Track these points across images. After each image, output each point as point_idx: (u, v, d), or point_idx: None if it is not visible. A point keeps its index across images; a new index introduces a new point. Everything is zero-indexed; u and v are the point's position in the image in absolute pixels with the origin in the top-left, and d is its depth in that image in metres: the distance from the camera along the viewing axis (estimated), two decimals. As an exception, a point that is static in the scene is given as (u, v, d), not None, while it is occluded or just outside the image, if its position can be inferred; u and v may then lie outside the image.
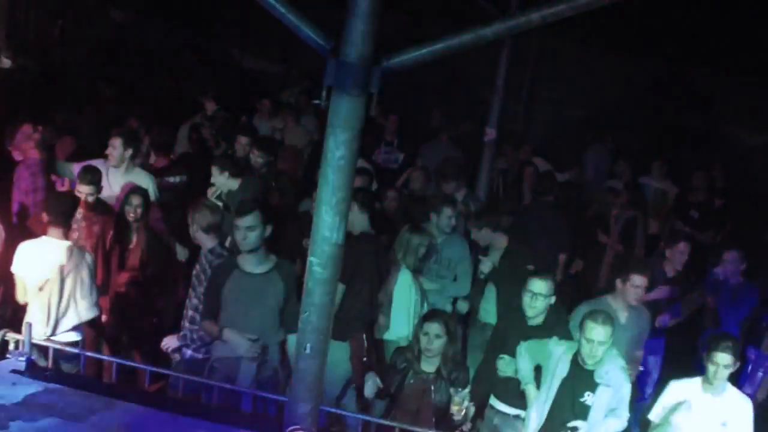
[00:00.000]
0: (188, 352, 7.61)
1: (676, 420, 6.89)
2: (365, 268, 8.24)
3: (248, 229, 6.92)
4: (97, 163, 9.20)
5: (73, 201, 8.03)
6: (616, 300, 8.10)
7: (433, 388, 6.98)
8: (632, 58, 16.80)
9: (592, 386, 6.81)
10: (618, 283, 8.10)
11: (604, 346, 6.71)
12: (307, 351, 4.69)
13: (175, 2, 18.36)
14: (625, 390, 6.88)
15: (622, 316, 8.01)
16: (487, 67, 12.04)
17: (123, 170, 9.42)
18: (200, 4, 18.14)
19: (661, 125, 16.52)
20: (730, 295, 9.33)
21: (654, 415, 7.13)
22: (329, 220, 4.50)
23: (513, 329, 7.64)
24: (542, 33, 15.37)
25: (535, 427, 6.99)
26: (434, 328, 6.94)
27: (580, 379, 6.85)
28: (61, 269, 7.51)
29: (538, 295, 7.46)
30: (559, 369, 6.91)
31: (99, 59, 16.81)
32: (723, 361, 6.74)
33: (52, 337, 7.49)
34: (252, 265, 7.03)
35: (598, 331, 6.68)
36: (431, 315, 7.21)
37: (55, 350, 7.09)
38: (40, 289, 7.49)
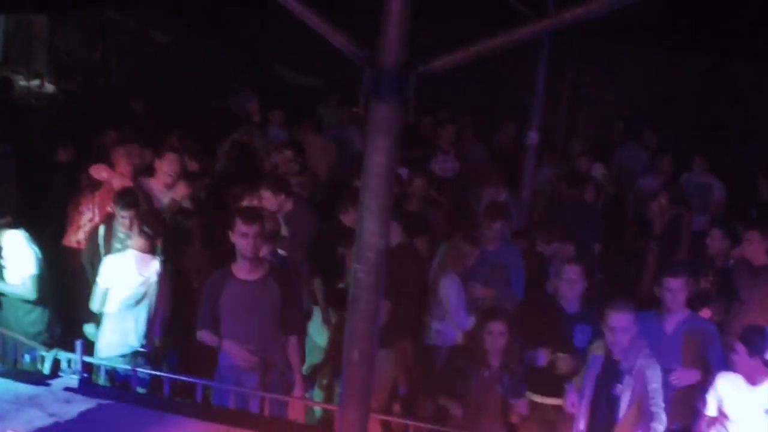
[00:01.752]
0: None
1: (726, 411, 6.87)
2: (404, 277, 8.28)
3: (257, 236, 7.02)
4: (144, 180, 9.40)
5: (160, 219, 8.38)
6: (660, 308, 7.77)
7: (499, 384, 7.08)
8: (673, 56, 16.69)
9: (619, 376, 6.87)
10: (656, 290, 7.77)
11: (627, 334, 6.68)
12: (356, 358, 4.70)
13: (215, 23, 18.50)
14: (655, 385, 6.88)
15: (669, 326, 7.67)
16: (528, 71, 12.02)
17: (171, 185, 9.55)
18: (240, 23, 18.25)
19: (704, 123, 16.33)
20: None
21: (709, 409, 7.08)
22: (372, 227, 4.52)
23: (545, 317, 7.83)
24: (582, 35, 15.38)
25: (582, 427, 6.98)
26: (499, 326, 7.02)
27: (610, 371, 6.91)
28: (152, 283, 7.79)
29: (569, 281, 7.72)
30: (593, 365, 6.97)
31: (140, 80, 16.95)
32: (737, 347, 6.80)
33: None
34: (246, 272, 7.08)
35: (617, 318, 6.70)
36: (494, 313, 7.31)
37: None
38: (137, 302, 7.67)
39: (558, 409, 7.66)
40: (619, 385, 6.88)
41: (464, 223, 9.69)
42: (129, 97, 14.97)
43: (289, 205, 9.28)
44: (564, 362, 7.53)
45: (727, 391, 6.91)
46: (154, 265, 7.85)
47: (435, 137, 12.98)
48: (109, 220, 8.65)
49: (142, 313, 7.82)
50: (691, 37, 15.58)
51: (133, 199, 8.49)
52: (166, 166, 9.48)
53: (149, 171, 9.73)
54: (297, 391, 7.22)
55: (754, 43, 15.20)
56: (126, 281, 7.72)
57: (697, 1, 13.71)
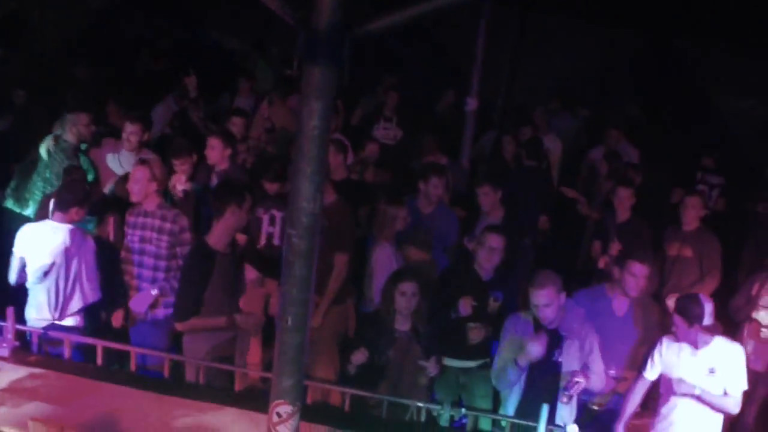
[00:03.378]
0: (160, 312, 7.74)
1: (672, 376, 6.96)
2: (340, 234, 8.32)
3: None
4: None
5: (82, 188, 8.01)
6: (612, 289, 7.77)
7: (413, 345, 7.11)
8: (615, 28, 16.75)
9: (559, 341, 6.90)
10: (616, 271, 7.75)
11: (551, 308, 6.75)
12: (289, 324, 4.65)
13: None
14: (592, 339, 6.98)
15: (620, 308, 7.73)
16: (468, 40, 11.99)
17: (135, 153, 9.46)
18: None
19: (644, 95, 16.45)
20: None
21: (648, 373, 7.15)
22: (306, 191, 4.45)
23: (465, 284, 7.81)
24: (522, 4, 15.42)
25: (517, 397, 7.00)
26: (410, 287, 7.05)
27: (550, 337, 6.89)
28: (66, 252, 7.48)
29: (494, 249, 7.67)
30: (525, 335, 6.95)
31: (77, 46, 16.65)
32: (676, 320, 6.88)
33: (58, 322, 7.51)
34: (222, 244, 7.01)
35: (537, 295, 6.76)
36: (405, 274, 7.28)
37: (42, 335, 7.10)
38: (46, 273, 7.45)
39: (467, 371, 7.75)
40: (558, 351, 6.92)
41: (407, 190, 9.63)
42: (67, 64, 14.68)
43: (225, 164, 9.26)
44: (475, 332, 7.52)
45: (671, 359, 7.00)
46: (71, 236, 7.61)
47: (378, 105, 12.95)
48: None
49: (58, 286, 7.57)
50: (631, 11, 15.66)
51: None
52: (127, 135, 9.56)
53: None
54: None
55: (695, 19, 15.31)
56: (39, 251, 7.51)
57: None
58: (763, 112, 16.16)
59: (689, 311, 6.76)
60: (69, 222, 7.52)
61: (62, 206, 7.54)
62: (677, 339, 6.95)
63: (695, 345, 6.85)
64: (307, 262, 4.57)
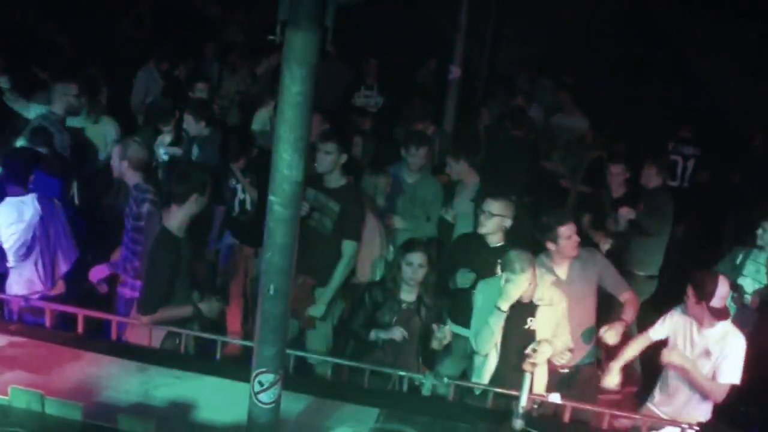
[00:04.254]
0: (126, 292, 7.72)
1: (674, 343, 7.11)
2: None
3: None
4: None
5: (31, 155, 7.90)
6: (549, 258, 7.76)
7: (417, 317, 7.11)
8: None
9: (533, 310, 6.96)
10: (548, 244, 7.70)
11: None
12: (271, 292, 4.62)
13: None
14: (561, 307, 7.12)
15: (562, 271, 7.74)
16: (451, 8, 11.93)
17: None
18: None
19: (625, 59, 16.44)
20: None
21: (655, 333, 7.30)
22: (288, 158, 4.40)
23: (473, 249, 7.93)
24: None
25: (494, 364, 7.01)
26: (417, 257, 7.04)
27: (520, 306, 6.96)
28: (42, 222, 7.42)
29: (490, 214, 7.72)
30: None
31: (51, 10, 16.46)
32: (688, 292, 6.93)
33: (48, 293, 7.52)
34: (182, 231, 6.95)
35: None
36: (413, 245, 7.25)
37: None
38: (29, 248, 7.39)
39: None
40: (531, 319, 6.95)
41: (392, 159, 9.59)
42: (46, 31, 14.52)
43: (205, 132, 9.28)
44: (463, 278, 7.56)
45: (679, 326, 7.11)
46: (41, 205, 7.47)
47: (359, 72, 12.91)
48: None
49: (43, 257, 7.52)
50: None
51: None
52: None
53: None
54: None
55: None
56: (15, 229, 7.35)
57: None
58: (743, 80, 16.18)
59: (702, 286, 6.82)
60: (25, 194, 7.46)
61: (12, 179, 7.49)
62: (687, 311, 7.01)
63: (700, 322, 6.91)
64: (289, 230, 4.54)
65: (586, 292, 7.72)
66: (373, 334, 7.07)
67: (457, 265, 7.96)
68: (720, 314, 6.90)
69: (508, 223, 7.82)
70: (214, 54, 13.70)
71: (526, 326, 6.97)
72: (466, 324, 7.51)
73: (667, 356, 7.00)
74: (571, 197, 11.24)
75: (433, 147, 9.61)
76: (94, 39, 14.16)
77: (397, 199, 8.94)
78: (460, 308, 7.66)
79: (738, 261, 8.78)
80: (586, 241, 9.17)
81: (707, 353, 6.86)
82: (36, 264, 7.44)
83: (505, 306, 6.83)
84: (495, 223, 7.78)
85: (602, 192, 10.05)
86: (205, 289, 7.13)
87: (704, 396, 6.98)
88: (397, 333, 7.00)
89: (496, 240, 7.86)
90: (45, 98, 9.59)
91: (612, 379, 7.43)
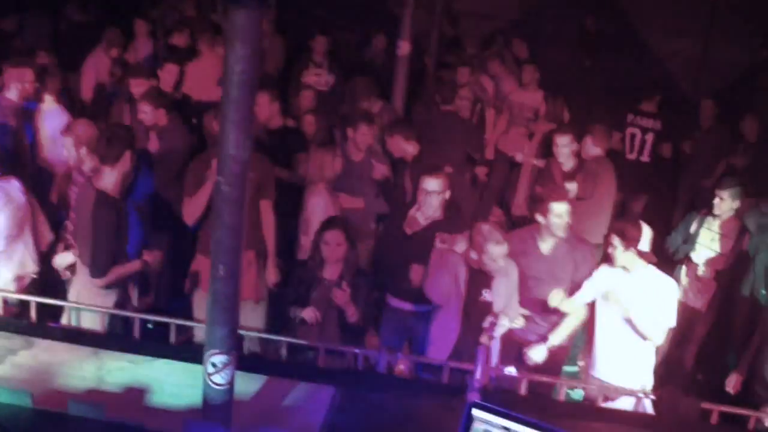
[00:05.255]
0: None
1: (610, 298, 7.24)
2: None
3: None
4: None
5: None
6: (540, 232, 7.80)
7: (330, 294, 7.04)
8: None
9: (488, 281, 7.12)
10: (539, 218, 7.73)
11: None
12: (221, 273, 4.60)
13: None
14: (513, 277, 7.29)
15: (546, 246, 7.77)
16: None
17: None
18: None
19: (578, 31, 16.47)
20: None
21: (585, 295, 7.42)
22: (234, 138, 4.38)
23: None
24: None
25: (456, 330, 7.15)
26: (334, 235, 7.03)
27: (475, 278, 7.13)
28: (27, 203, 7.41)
29: (432, 194, 7.67)
30: (459, 271, 7.15)
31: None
32: (613, 241, 7.11)
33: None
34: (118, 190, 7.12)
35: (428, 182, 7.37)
36: (330, 223, 7.24)
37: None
38: (20, 227, 7.34)
39: (414, 314, 7.77)
40: (487, 291, 7.00)
41: (341, 136, 9.58)
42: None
43: (163, 120, 9.11)
44: (417, 272, 7.54)
45: (605, 283, 7.24)
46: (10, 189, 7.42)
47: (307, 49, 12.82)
48: None
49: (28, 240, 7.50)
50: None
51: None
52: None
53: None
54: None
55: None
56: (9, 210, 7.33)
57: None
58: (695, 53, 16.30)
59: (626, 233, 6.91)
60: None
61: None
62: (612, 263, 7.09)
63: (629, 268, 6.98)
64: (237, 210, 4.53)
65: (562, 276, 7.69)
66: (291, 312, 7.08)
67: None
68: (648, 257, 7.15)
69: (447, 195, 7.81)
70: (145, 33, 13.20)
71: (482, 297, 7.02)
72: (404, 296, 7.67)
73: (608, 311, 7.12)
74: (524, 171, 11.27)
75: (377, 125, 9.59)
76: (40, 25, 14.01)
77: (346, 178, 8.93)
78: (397, 279, 7.72)
79: (692, 229, 8.87)
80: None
81: (642, 296, 7.00)
82: (27, 244, 7.43)
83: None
84: (435, 201, 7.76)
85: (555, 164, 10.05)
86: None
87: (642, 351, 7.14)
88: (308, 314, 6.97)
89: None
90: None
91: (537, 353, 7.51)
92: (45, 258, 7.68)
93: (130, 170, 7.16)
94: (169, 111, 9.26)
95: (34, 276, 7.54)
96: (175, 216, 8.50)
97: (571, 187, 9.42)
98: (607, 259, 7.33)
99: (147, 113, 9.08)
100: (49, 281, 7.81)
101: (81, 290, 7.21)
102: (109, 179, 7.00)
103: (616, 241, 7.04)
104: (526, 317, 7.57)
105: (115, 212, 6.91)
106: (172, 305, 8.88)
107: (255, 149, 7.76)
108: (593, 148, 9.87)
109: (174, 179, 8.80)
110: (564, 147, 9.76)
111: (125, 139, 7.11)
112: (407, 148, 9.25)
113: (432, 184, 7.69)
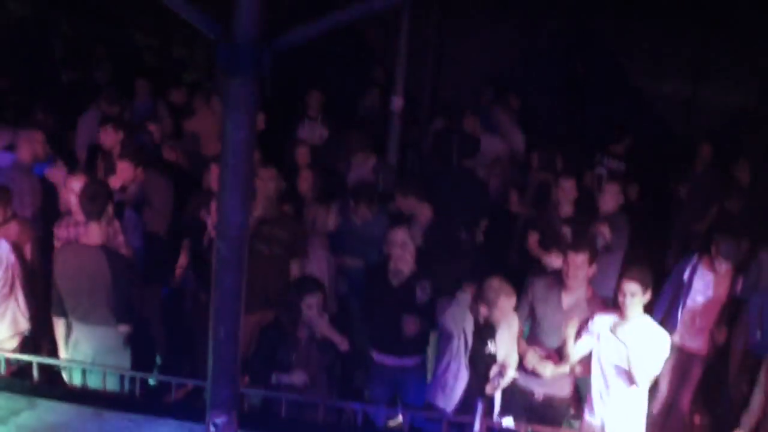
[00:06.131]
0: None
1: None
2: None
3: None
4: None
5: None
6: (565, 285, 7.60)
7: (316, 349, 7.02)
8: (536, 14, 16.89)
9: (492, 333, 7.18)
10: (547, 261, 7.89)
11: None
12: (221, 335, 4.68)
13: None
14: (514, 329, 7.32)
15: (568, 301, 7.60)
16: (392, 37, 11.96)
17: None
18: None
19: (569, 79, 16.59)
20: None
21: (581, 347, 7.37)
22: (233, 204, 4.49)
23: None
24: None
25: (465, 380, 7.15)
26: (314, 298, 6.96)
27: (482, 330, 7.18)
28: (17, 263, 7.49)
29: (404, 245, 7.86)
30: (467, 325, 7.19)
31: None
32: (630, 289, 6.97)
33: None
34: None
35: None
36: (309, 287, 7.12)
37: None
38: (11, 286, 7.43)
39: (402, 369, 7.84)
40: (491, 341, 7.08)
41: (336, 190, 9.64)
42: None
43: (140, 176, 9.16)
44: (410, 324, 7.61)
45: (604, 327, 7.21)
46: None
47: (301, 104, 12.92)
48: None
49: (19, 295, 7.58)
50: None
51: None
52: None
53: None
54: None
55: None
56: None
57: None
58: (685, 95, 16.40)
59: (645, 279, 6.96)
60: None
61: None
62: (612, 309, 7.17)
63: (629, 316, 7.03)
64: (237, 274, 4.61)
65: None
66: (273, 378, 6.93)
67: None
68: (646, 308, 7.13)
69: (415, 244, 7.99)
70: (146, 90, 13.38)
71: (487, 350, 7.10)
72: (393, 351, 7.76)
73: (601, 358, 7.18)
74: (519, 219, 11.27)
75: (377, 179, 9.66)
76: (37, 83, 14.14)
77: (347, 238, 9.00)
78: (385, 333, 7.81)
79: (685, 277, 8.90)
80: (532, 262, 9.31)
81: (633, 345, 6.97)
82: (18, 301, 7.49)
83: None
84: (408, 252, 7.87)
85: (551, 211, 10.07)
86: None
87: (635, 395, 7.15)
88: (298, 378, 6.90)
89: None
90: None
91: (544, 368, 7.47)
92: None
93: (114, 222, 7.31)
94: (145, 166, 9.35)
95: (27, 334, 7.58)
96: (166, 268, 8.60)
97: (605, 230, 9.47)
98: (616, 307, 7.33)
99: (124, 171, 9.10)
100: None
101: (98, 349, 7.22)
102: (97, 233, 7.13)
103: (634, 287, 6.95)
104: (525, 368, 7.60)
105: (122, 259, 7.13)
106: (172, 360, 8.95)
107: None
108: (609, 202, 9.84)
109: (161, 232, 9.03)
110: (570, 190, 9.80)
111: (106, 194, 7.29)
112: (421, 209, 9.24)
113: (399, 235, 7.83)
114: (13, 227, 7.76)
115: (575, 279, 7.41)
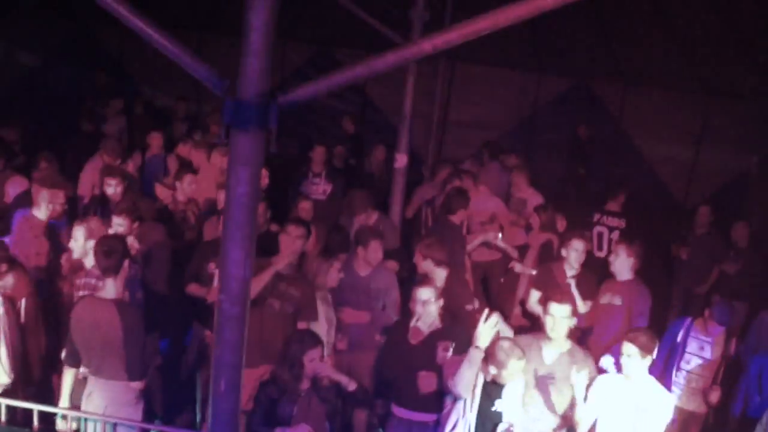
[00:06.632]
0: None
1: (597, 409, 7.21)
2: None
3: None
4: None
5: None
6: (545, 341, 7.66)
7: (316, 398, 7.03)
8: (538, 75, 17.04)
9: (500, 391, 7.13)
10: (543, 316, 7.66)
11: None
12: (222, 388, 4.70)
13: (84, 46, 18.31)
14: (521, 387, 7.26)
15: (548, 356, 7.63)
16: (398, 94, 12.05)
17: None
18: (110, 46, 18.15)
19: (570, 141, 16.71)
20: None
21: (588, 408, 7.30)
22: (236, 257, 4.52)
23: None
24: (449, 56, 15.58)
25: None
26: (317, 352, 7.02)
27: (489, 388, 7.13)
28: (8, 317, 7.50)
29: (427, 302, 7.85)
30: (477, 383, 7.17)
31: (9, 105, 16.53)
32: (628, 351, 7.03)
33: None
34: None
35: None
36: (312, 341, 7.15)
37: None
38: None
39: (425, 425, 7.76)
40: (499, 401, 7.08)
41: (338, 247, 9.65)
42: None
43: (137, 230, 9.21)
44: (426, 380, 7.61)
45: (610, 389, 7.22)
46: None
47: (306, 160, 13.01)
48: None
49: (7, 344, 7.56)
50: (555, 57, 15.94)
51: None
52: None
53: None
54: None
55: (618, 63, 15.64)
56: None
57: (558, 23, 13.97)
58: (687, 158, 16.51)
59: (646, 342, 6.99)
60: None
61: None
62: (617, 369, 7.15)
63: (632, 377, 7.06)
64: (238, 327, 4.64)
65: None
66: None
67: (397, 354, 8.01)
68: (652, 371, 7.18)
69: (441, 302, 7.93)
70: (159, 144, 13.57)
71: (494, 408, 7.10)
72: (408, 405, 7.72)
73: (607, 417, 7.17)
74: (521, 282, 11.28)
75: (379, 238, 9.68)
76: (42, 133, 14.26)
77: (352, 291, 9.01)
78: (402, 387, 7.80)
79: (679, 339, 8.92)
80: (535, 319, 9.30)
81: (637, 408, 7.00)
82: (7, 353, 7.46)
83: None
84: (432, 309, 7.88)
85: (554, 270, 10.09)
86: None
87: None
88: (302, 430, 6.89)
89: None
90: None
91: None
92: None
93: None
94: (142, 220, 9.41)
95: (6, 387, 7.52)
96: (165, 321, 8.63)
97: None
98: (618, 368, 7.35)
99: (122, 225, 9.08)
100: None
101: (111, 402, 7.22)
102: (113, 288, 7.18)
103: (632, 350, 7.01)
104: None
105: (136, 315, 7.17)
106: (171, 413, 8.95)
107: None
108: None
109: (159, 283, 9.14)
110: (581, 252, 9.86)
111: (122, 249, 7.30)
112: (438, 272, 9.23)
113: (425, 293, 7.83)
114: (8, 281, 7.76)
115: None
